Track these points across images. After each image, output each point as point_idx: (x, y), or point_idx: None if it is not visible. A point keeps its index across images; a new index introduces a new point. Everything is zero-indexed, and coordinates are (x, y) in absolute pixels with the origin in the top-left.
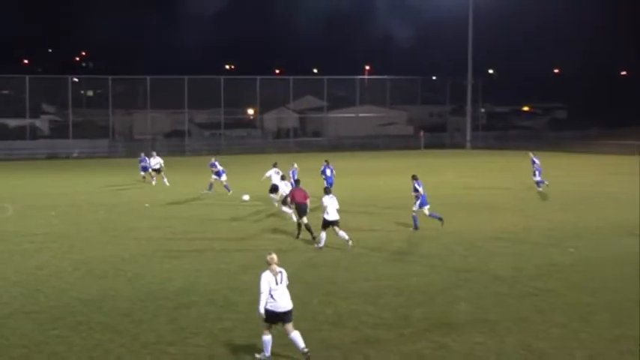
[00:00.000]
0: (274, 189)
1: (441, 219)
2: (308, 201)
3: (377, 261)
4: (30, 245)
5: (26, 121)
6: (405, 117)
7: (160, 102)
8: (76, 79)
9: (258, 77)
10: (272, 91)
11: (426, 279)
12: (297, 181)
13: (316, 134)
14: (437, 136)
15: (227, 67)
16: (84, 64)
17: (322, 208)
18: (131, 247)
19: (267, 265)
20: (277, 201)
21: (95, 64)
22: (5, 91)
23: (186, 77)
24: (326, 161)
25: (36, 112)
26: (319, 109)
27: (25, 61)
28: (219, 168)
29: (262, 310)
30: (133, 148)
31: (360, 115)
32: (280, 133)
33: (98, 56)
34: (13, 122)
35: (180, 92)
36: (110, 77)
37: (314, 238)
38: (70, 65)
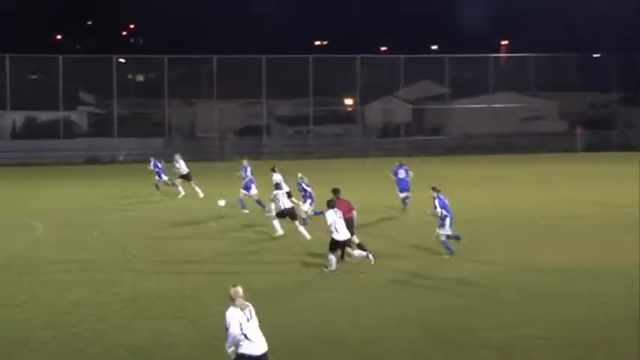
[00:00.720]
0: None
1: (458, 237)
2: (355, 213)
3: (521, 300)
4: (65, 275)
5: (59, 114)
6: (556, 108)
7: (230, 89)
8: (122, 60)
9: (359, 56)
10: (376, 75)
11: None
12: (336, 190)
13: (435, 131)
14: (600, 134)
15: (317, 43)
16: (132, 41)
17: (328, 226)
18: (193, 280)
19: (231, 300)
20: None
21: (146, 40)
22: (33, 76)
23: (263, 57)
24: (400, 162)
25: (72, 103)
26: (439, 99)
27: (59, 37)
28: (249, 177)
29: (233, 356)
30: (195, 149)
31: (495, 105)
32: (387, 130)
33: (150, 30)
34: (42, 116)
35: (256, 77)
36: (166, 57)
37: (368, 256)
38: (114, 42)
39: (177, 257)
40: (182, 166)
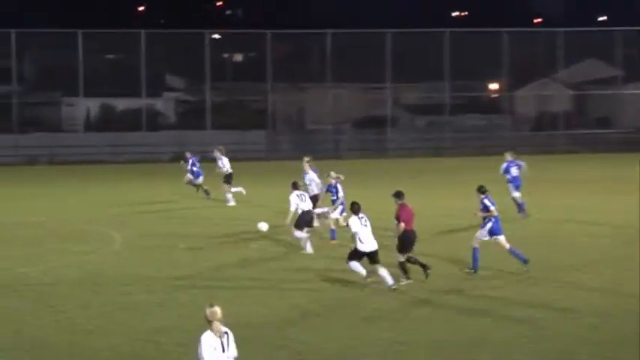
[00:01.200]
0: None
1: (525, 261)
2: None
3: None
4: (147, 296)
5: (141, 102)
6: None
7: (347, 72)
8: (216, 36)
9: (506, 30)
10: (529, 54)
11: None
12: (399, 194)
13: (603, 123)
14: None
15: (455, 14)
16: (228, 12)
17: (352, 235)
18: (300, 304)
19: (208, 323)
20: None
21: (245, 12)
22: (110, 55)
23: (388, 32)
24: (511, 156)
25: (156, 88)
26: (608, 82)
27: (140, 8)
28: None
29: None
30: (304, 144)
31: None
32: (542, 122)
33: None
34: (121, 104)
35: (379, 56)
36: (269, 32)
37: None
38: (207, 14)
39: (281, 275)
40: (226, 163)
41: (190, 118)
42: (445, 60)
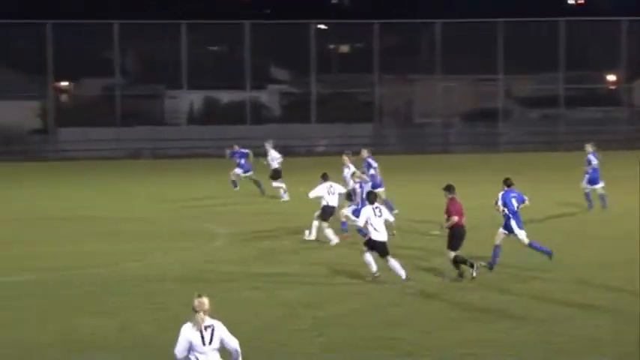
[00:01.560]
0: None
1: (550, 253)
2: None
3: None
4: (251, 293)
5: (245, 95)
6: None
7: (457, 63)
8: (322, 27)
9: (627, 19)
10: None
11: None
12: (449, 187)
13: None
14: None
15: (571, 1)
16: (335, 2)
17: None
18: (410, 302)
19: (194, 312)
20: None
21: (352, 1)
22: (214, 47)
23: (500, 20)
24: (593, 148)
25: (260, 81)
26: None
27: None
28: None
29: None
30: (412, 138)
31: None
32: None
33: None
34: (225, 96)
35: (490, 46)
36: (377, 22)
37: (461, 275)
38: (313, 4)
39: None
40: (276, 157)
41: (295, 110)
42: (560, 50)
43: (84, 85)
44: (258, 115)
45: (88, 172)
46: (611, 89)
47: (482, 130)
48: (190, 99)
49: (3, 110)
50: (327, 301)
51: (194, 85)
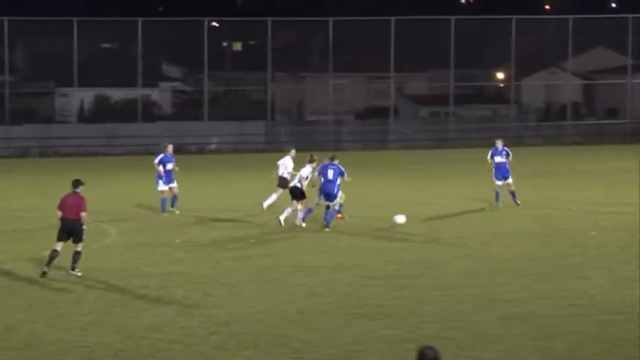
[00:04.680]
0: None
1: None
2: None
3: None
4: (141, 292)
5: (137, 93)
6: None
7: (349, 61)
8: (215, 24)
9: (514, 17)
10: (537, 42)
11: None
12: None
13: (611, 114)
14: None
15: (462, 0)
16: None
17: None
18: (299, 299)
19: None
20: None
21: None
22: (106, 45)
23: (392, 19)
24: (502, 143)
25: (152, 79)
26: (618, 71)
27: None
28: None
29: None
30: (303, 135)
31: None
32: (550, 112)
33: None
34: (117, 94)
35: (381, 45)
36: (270, 19)
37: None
38: (206, 1)
39: (284, 270)
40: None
41: (187, 108)
42: (451, 48)
43: None
44: (150, 113)
45: None
46: (500, 87)
47: (374, 128)
48: (81, 97)
49: None
50: (224, 301)
51: (85, 83)
